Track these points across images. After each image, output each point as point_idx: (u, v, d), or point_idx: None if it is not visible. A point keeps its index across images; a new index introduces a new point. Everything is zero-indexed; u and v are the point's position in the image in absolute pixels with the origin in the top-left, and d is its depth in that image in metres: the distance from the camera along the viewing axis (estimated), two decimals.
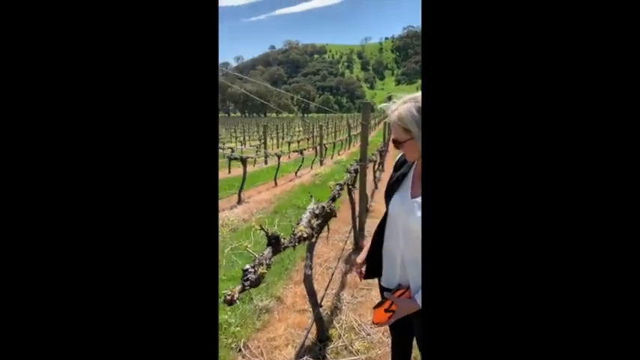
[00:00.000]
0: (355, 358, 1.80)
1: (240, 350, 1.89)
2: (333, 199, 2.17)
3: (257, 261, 0.91)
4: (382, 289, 1.20)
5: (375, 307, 1.02)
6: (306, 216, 1.43)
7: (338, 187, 2.39)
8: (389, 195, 1.05)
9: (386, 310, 0.98)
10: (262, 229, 1.01)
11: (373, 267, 1.17)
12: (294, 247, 1.17)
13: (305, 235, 1.26)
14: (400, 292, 1.00)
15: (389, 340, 1.93)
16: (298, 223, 1.36)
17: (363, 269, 1.24)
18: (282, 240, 1.09)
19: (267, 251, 1.01)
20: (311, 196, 1.64)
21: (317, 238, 1.87)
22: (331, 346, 1.90)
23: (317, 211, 1.53)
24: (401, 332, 1.22)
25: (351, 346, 1.89)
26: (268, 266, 0.94)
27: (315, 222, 1.44)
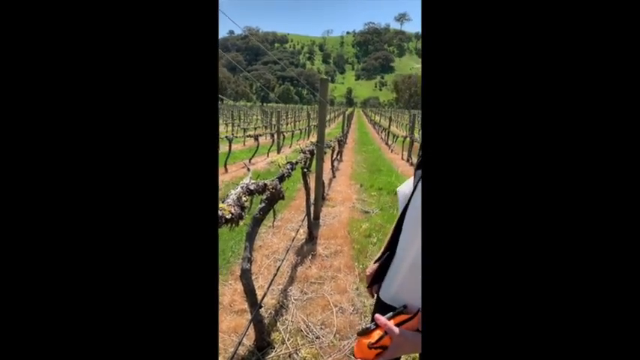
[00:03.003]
0: None
1: None
2: (281, 179, 1.82)
3: None
4: (379, 306, 0.81)
5: (359, 334, 0.63)
6: (235, 192, 1.06)
7: (289, 166, 2.04)
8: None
9: (371, 346, 0.59)
10: None
11: (383, 270, 0.80)
12: None
13: (229, 217, 0.90)
14: (403, 317, 0.62)
15: (341, 344, 1.64)
16: (223, 201, 0.99)
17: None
18: None
19: None
20: (248, 169, 1.27)
21: (256, 223, 1.51)
22: (272, 354, 1.57)
23: (252, 187, 1.16)
24: None
25: (297, 354, 1.57)
26: None
27: (245, 200, 1.07)
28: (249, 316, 1.86)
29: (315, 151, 3.14)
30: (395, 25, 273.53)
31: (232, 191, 1.06)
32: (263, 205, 1.69)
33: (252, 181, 1.23)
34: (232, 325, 1.76)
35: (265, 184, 1.40)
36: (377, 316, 0.62)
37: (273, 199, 1.74)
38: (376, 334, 0.60)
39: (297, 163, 2.26)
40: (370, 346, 0.60)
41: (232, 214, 0.92)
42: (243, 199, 1.04)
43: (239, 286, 2.18)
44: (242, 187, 1.11)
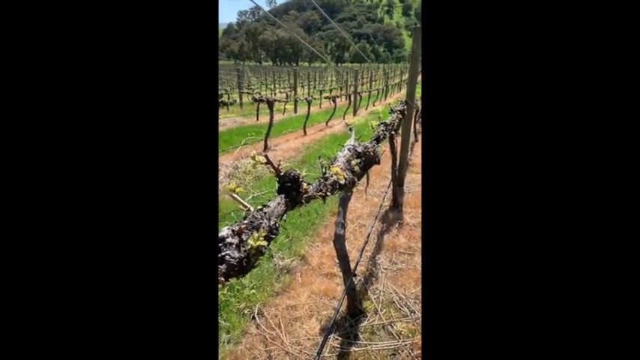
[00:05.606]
0: (396, 343, 1.41)
1: (254, 318, 1.57)
2: (378, 140, 1.65)
3: (249, 221, 0.44)
4: None
5: None
6: (343, 154, 0.94)
7: (382, 127, 1.85)
8: None
9: None
10: (268, 161, 0.54)
11: None
12: (323, 197, 0.71)
13: (342, 182, 0.79)
14: None
15: None
16: (332, 163, 0.88)
17: None
18: (304, 185, 0.62)
19: (277, 203, 0.55)
20: (350, 129, 1.13)
21: (350, 188, 1.39)
22: (365, 322, 1.53)
23: (359, 149, 1.03)
24: None
25: (391, 327, 1.50)
26: (272, 232, 0.48)
27: (355, 164, 0.95)
28: (338, 281, 1.84)
29: (405, 111, 2.85)
30: None
31: (340, 153, 0.94)
32: (357, 168, 1.57)
33: (358, 142, 1.09)
34: (322, 288, 1.76)
35: (367, 146, 1.26)
36: None
37: (369, 162, 1.60)
38: None
39: (390, 124, 2.05)
40: None
41: (346, 179, 0.81)
42: (353, 162, 0.92)
43: (326, 249, 2.18)
44: (350, 149, 0.98)
